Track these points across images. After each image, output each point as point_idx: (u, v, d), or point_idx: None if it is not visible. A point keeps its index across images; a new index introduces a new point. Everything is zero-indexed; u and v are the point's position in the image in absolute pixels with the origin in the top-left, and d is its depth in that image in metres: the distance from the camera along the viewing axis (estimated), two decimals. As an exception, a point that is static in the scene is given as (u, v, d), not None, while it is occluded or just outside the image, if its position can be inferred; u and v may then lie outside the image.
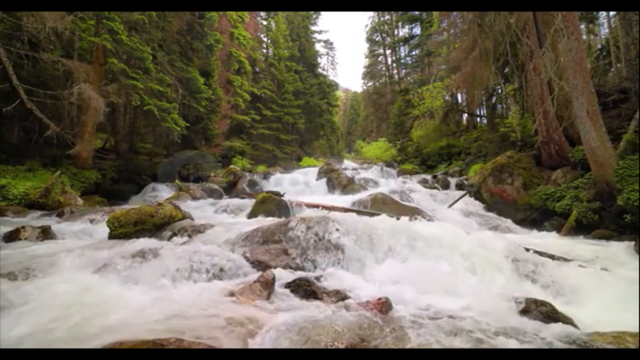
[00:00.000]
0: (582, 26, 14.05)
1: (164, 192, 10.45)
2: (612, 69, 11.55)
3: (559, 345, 1.85)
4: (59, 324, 2.13)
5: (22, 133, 9.34)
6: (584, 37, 14.71)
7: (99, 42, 9.24)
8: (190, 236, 4.41)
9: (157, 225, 4.89)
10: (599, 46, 14.74)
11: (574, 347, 1.82)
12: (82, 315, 2.25)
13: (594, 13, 14.51)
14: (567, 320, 2.25)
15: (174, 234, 4.59)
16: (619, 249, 4.60)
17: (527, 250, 3.87)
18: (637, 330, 1.77)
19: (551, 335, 1.95)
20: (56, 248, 3.96)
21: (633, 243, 4.59)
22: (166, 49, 12.80)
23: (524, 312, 2.32)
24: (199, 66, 14.84)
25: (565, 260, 3.89)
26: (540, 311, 2.28)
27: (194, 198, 9.66)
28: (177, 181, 11.17)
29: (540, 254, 3.85)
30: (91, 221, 5.78)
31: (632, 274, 3.56)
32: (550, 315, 2.26)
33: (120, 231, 4.64)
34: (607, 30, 15.07)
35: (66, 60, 8.90)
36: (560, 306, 2.40)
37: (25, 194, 7.20)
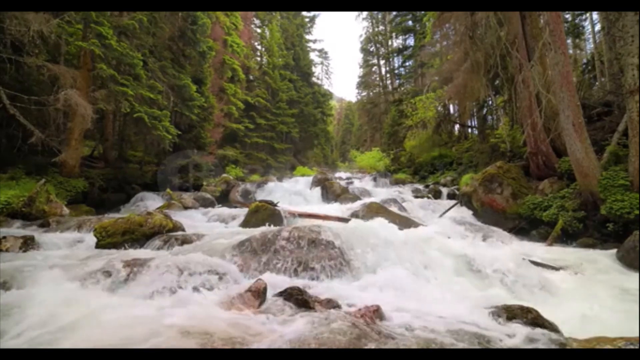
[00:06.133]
0: (569, 41, 14.54)
1: (154, 201, 10.26)
2: (597, 83, 11.91)
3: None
4: (40, 337, 2.06)
5: (5, 140, 8.99)
6: (571, 51, 15.21)
7: (87, 47, 9.01)
8: (180, 246, 4.34)
9: (146, 234, 4.81)
10: (585, 60, 15.26)
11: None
12: (64, 328, 2.17)
13: (580, 28, 15.05)
14: (551, 326, 2.32)
15: (164, 244, 4.51)
16: (602, 257, 4.71)
17: (524, 260, 3.91)
18: (616, 336, 1.80)
19: (536, 341, 2.01)
20: (40, 259, 3.83)
21: (615, 251, 4.71)
22: (157, 55, 12.67)
23: (510, 318, 2.38)
24: (191, 73, 14.77)
25: (553, 268, 3.96)
26: (526, 317, 2.35)
27: (186, 207, 9.51)
28: (168, 190, 11.02)
29: (535, 264, 3.90)
30: (78, 231, 5.64)
31: (614, 280, 3.76)
32: (535, 321, 2.32)
33: (108, 241, 4.55)
34: (592, 46, 15.61)
35: (52, 65, 8.62)
36: (545, 312, 2.45)
37: (8, 203, 6.95)
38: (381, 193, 11.55)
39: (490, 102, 14.45)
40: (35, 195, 7.11)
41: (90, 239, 4.79)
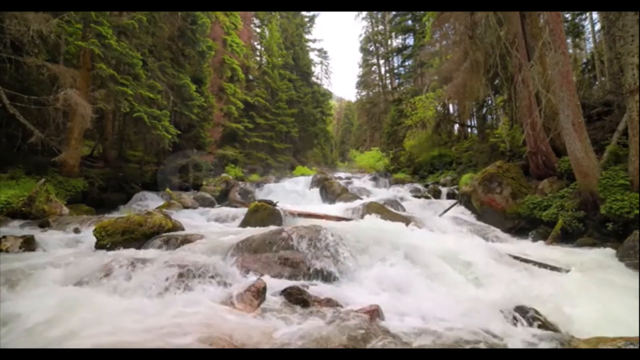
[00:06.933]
0: (569, 40, 14.55)
1: (154, 200, 10.27)
2: (597, 83, 11.91)
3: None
4: (39, 339, 2.05)
5: (5, 140, 8.99)
6: (570, 51, 15.21)
7: (87, 47, 9.03)
8: (180, 245, 4.32)
9: (146, 234, 4.79)
10: (585, 60, 15.27)
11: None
12: (64, 329, 2.16)
13: (580, 28, 15.06)
14: (551, 326, 2.33)
15: (164, 244, 4.50)
16: (601, 256, 4.69)
17: (516, 258, 3.92)
18: (616, 335, 1.80)
19: (536, 341, 2.01)
20: (40, 259, 3.82)
21: (615, 250, 4.70)
22: (157, 54, 12.68)
23: (510, 318, 2.38)
24: (190, 73, 14.77)
25: (553, 268, 3.96)
26: (526, 317, 2.37)
27: (186, 207, 9.53)
28: (168, 190, 11.01)
29: (533, 262, 3.90)
30: (77, 231, 5.63)
31: (613, 279, 3.76)
32: (535, 321, 2.34)
33: (107, 241, 4.53)
34: (592, 45, 15.61)
35: (52, 64, 8.63)
36: (546, 312, 2.46)
37: (8, 203, 6.96)
38: (381, 193, 11.57)
39: (489, 102, 14.45)
40: (35, 195, 7.11)
41: (90, 238, 4.78)
